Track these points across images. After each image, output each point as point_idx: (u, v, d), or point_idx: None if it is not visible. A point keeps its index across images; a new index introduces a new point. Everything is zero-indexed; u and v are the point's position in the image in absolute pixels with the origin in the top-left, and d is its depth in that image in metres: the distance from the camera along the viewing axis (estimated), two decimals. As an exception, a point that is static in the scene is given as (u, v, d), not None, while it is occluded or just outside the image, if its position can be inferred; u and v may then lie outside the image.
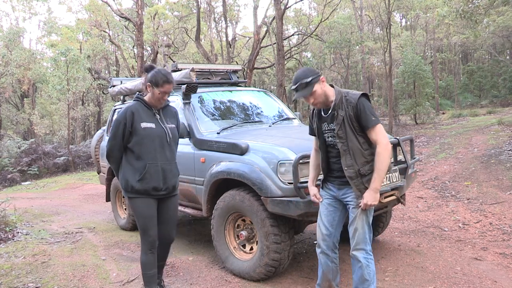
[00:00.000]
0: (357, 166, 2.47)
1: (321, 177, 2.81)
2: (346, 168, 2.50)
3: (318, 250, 2.76)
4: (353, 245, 2.58)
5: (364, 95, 2.53)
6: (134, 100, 2.94)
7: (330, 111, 2.57)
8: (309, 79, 2.48)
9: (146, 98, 2.91)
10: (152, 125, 2.85)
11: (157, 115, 2.92)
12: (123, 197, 5.00)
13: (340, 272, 2.95)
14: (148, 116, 2.87)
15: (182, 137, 3.99)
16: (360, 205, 2.48)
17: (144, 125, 2.82)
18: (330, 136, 2.59)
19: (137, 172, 2.82)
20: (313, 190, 2.77)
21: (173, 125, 3.00)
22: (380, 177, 2.44)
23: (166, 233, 3.04)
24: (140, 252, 2.96)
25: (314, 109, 2.71)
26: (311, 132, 2.78)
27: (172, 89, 2.90)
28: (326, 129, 2.61)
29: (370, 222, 2.58)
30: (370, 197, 2.45)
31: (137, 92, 2.99)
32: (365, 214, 2.54)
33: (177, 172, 3.05)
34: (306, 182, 2.99)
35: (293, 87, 2.53)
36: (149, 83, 2.84)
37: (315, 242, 2.79)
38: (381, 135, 2.46)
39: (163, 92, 2.83)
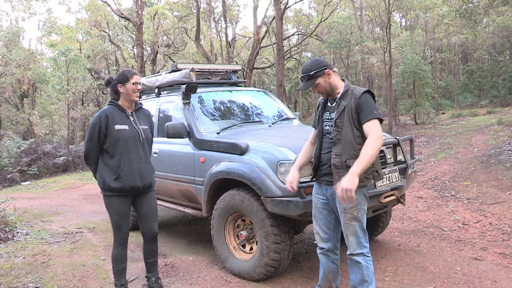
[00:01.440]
0: (345, 156, 2.47)
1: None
2: (334, 156, 2.51)
3: (319, 251, 2.76)
4: (349, 251, 2.57)
5: (369, 91, 2.58)
6: (108, 105, 3.09)
7: (335, 102, 2.62)
8: (312, 72, 2.55)
9: (119, 102, 3.07)
10: (126, 127, 3.01)
11: (131, 117, 3.07)
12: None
13: (341, 273, 2.95)
14: (122, 118, 3.03)
15: (182, 137, 4.00)
16: (337, 190, 2.33)
17: (118, 127, 2.97)
18: (328, 125, 2.63)
19: (112, 171, 2.96)
20: (291, 176, 2.70)
21: (146, 127, 3.16)
22: (363, 163, 2.31)
23: (148, 226, 3.15)
24: (112, 247, 3.09)
25: (321, 100, 2.77)
26: (314, 124, 2.82)
27: (139, 78, 3.10)
28: (326, 118, 2.66)
29: (364, 225, 2.54)
30: (346, 181, 2.27)
31: (111, 98, 3.14)
32: (356, 220, 2.49)
33: (153, 170, 3.19)
34: (306, 182, 3.00)
35: (300, 77, 2.66)
36: (119, 84, 3.00)
37: (315, 242, 2.79)
38: (375, 128, 2.42)
39: (135, 83, 3.01)
